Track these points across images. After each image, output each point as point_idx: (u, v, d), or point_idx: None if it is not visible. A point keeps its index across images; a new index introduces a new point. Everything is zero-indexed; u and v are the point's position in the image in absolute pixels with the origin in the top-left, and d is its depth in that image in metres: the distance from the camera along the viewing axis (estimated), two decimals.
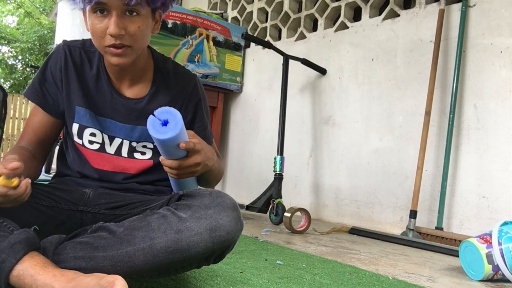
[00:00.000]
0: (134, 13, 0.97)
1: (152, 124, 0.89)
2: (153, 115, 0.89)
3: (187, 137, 0.94)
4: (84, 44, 1.11)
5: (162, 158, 0.95)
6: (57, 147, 1.20)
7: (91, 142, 1.10)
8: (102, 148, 1.10)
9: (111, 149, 1.10)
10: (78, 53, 1.10)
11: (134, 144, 1.11)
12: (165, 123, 0.88)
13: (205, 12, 3.27)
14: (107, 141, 1.10)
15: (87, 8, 0.97)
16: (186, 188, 1.06)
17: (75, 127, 1.09)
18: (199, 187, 1.12)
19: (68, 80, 1.09)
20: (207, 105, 1.23)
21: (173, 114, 0.89)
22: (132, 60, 1.01)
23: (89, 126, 1.09)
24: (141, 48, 1.03)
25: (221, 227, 0.83)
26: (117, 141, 1.10)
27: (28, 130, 1.10)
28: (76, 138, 1.10)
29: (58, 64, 1.09)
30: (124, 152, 1.11)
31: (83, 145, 1.10)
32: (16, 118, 7.66)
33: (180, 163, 0.93)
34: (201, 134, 1.09)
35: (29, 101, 1.16)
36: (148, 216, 0.86)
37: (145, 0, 0.97)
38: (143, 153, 1.12)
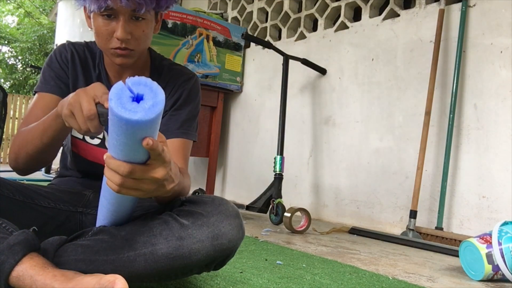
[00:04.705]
0: (140, 18, 0.99)
1: (118, 95, 0.61)
2: (125, 83, 0.62)
3: (157, 133, 0.68)
4: (87, 45, 1.14)
5: (108, 155, 0.68)
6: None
7: (92, 137, 1.11)
8: (102, 144, 1.11)
9: None
10: (83, 50, 1.13)
11: None
12: (137, 98, 0.61)
13: (205, 12, 3.26)
14: (107, 137, 1.11)
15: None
16: (117, 212, 0.83)
17: None
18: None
19: (76, 74, 1.10)
20: (197, 105, 1.15)
21: (153, 90, 0.62)
22: (134, 60, 1.05)
23: None
24: (144, 49, 1.06)
25: (223, 235, 0.82)
26: None
27: (38, 112, 0.99)
28: (76, 133, 1.11)
29: (63, 55, 1.10)
30: None
31: (83, 139, 1.11)
32: (16, 118, 7.64)
33: (133, 168, 0.66)
34: (172, 126, 1.06)
35: (29, 101, 1.15)
36: (149, 221, 0.85)
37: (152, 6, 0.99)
38: None
